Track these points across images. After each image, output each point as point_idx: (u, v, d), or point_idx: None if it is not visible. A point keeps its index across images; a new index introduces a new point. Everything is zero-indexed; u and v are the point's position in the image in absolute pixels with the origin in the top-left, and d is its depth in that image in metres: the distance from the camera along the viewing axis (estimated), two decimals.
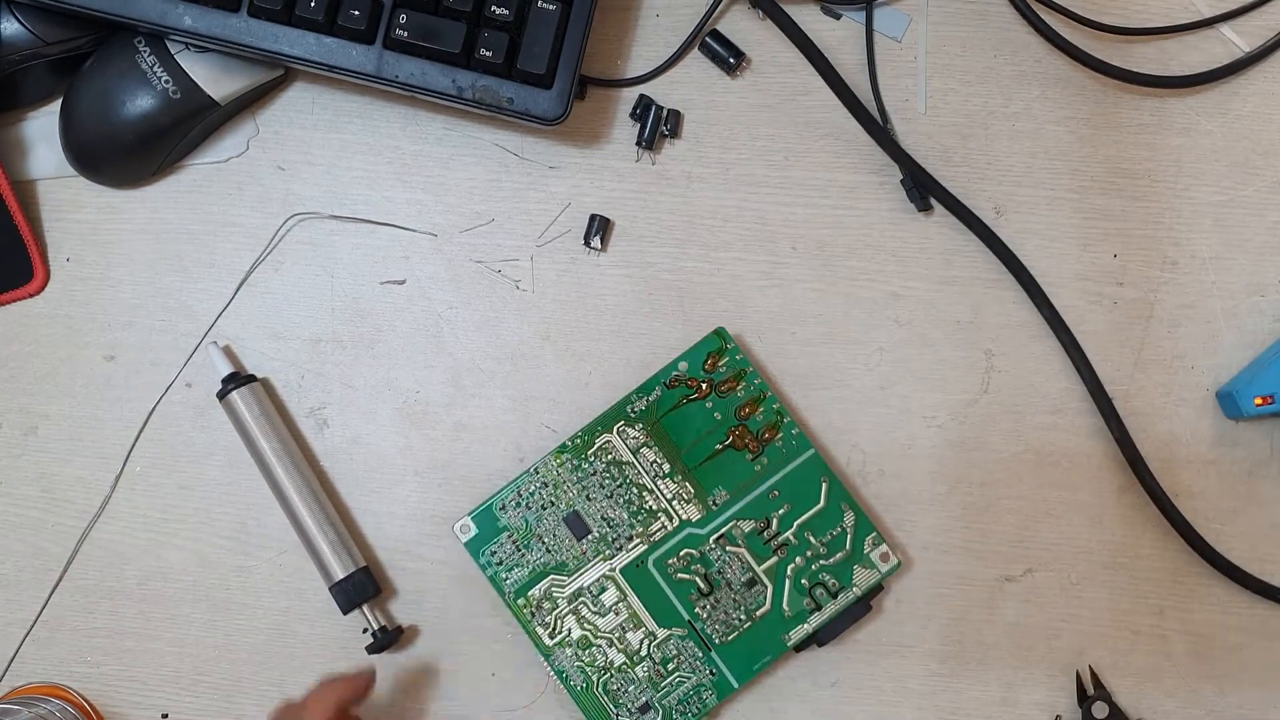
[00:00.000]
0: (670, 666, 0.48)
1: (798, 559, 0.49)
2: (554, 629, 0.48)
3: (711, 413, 0.49)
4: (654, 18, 0.49)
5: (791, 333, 0.48)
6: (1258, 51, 0.41)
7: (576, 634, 0.48)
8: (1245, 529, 0.40)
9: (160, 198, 0.52)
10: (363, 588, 0.49)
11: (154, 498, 0.52)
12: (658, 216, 0.51)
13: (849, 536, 0.49)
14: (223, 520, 0.52)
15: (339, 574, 0.50)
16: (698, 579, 0.49)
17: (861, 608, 0.49)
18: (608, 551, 0.49)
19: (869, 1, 0.41)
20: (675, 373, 0.49)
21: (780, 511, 0.49)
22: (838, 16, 0.42)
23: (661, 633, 0.48)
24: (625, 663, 0.48)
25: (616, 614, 0.49)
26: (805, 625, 0.48)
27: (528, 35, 0.45)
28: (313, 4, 0.44)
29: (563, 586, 0.49)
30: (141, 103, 0.46)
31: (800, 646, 0.49)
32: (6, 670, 0.50)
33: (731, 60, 0.46)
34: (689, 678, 0.48)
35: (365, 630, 0.50)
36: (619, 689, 0.48)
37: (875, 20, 0.41)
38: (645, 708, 0.48)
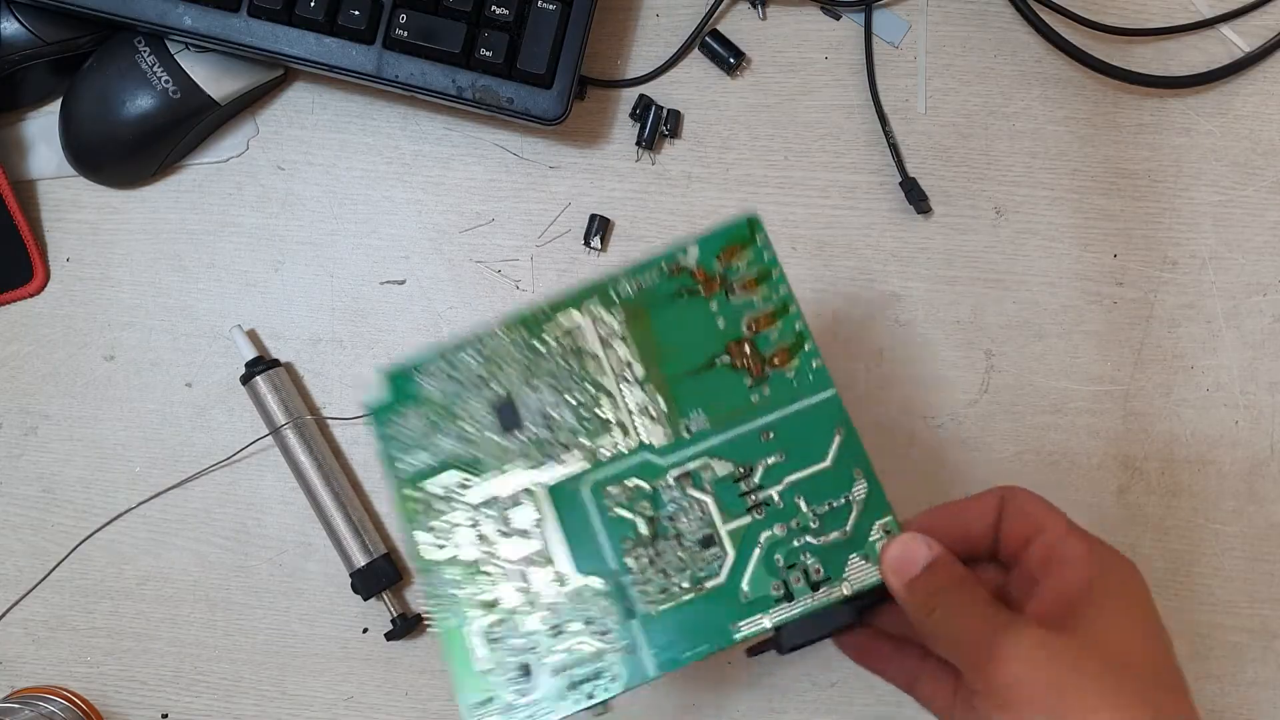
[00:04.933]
0: (573, 626, 0.41)
1: (777, 527, 0.40)
2: (443, 540, 0.42)
3: (714, 316, 0.43)
4: (654, 18, 0.52)
5: None
6: (1258, 51, 0.43)
7: (469, 554, 0.42)
8: (1245, 529, 0.43)
9: (160, 198, 0.55)
10: (384, 574, 0.55)
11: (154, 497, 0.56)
12: (658, 216, 0.53)
13: (854, 513, 0.40)
14: (223, 520, 0.56)
15: (360, 560, 0.55)
16: (639, 520, 0.41)
17: (845, 614, 0.40)
18: (537, 458, 0.42)
19: (868, 3, 0.42)
20: (681, 257, 0.43)
21: (770, 460, 0.41)
22: (837, 16, 0.44)
23: (575, 579, 0.41)
24: (518, 606, 0.41)
25: (526, 541, 0.42)
26: (764, 618, 0.40)
27: (528, 35, 0.48)
28: (312, 4, 0.46)
29: (469, 488, 0.42)
30: (141, 103, 0.49)
31: (756, 650, 0.40)
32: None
33: (731, 60, 0.48)
34: (592, 647, 0.40)
35: (365, 630, 0.55)
36: (499, 638, 0.41)
37: (874, 24, 0.43)
38: (525, 670, 0.40)
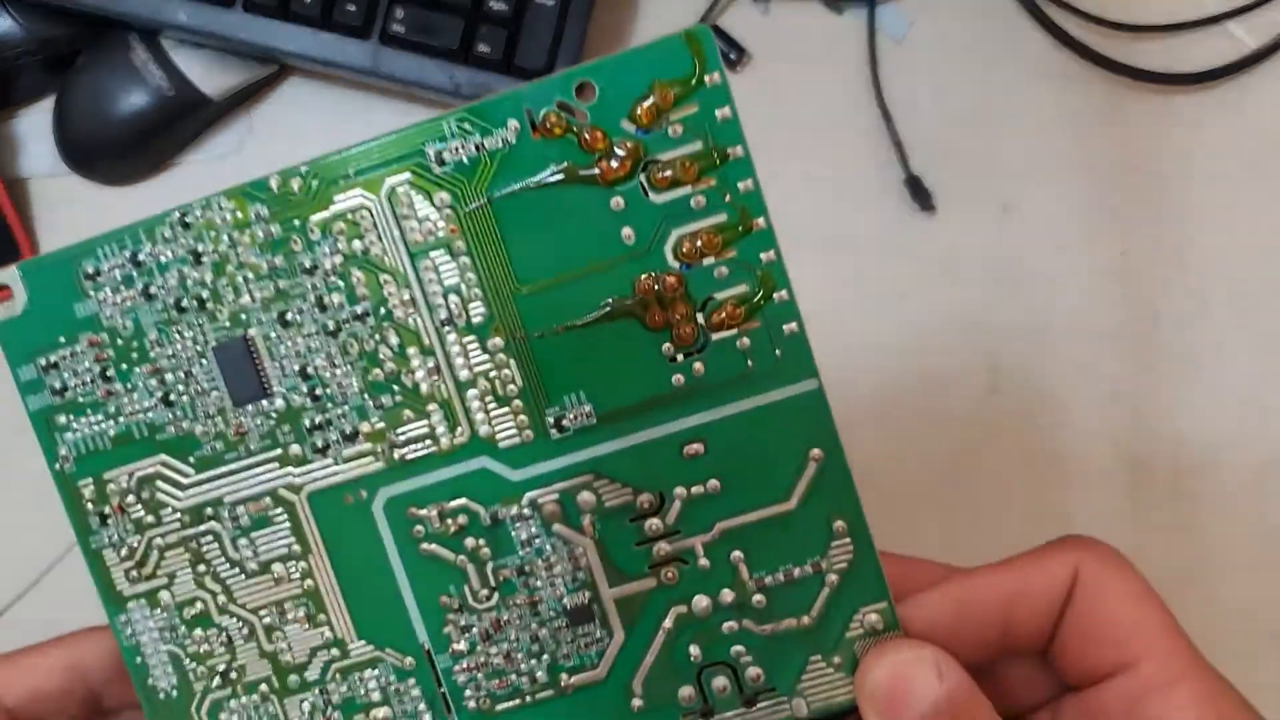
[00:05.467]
0: None
1: (698, 600, 0.25)
2: (141, 561, 0.26)
3: (617, 225, 0.24)
4: (654, 13, 0.50)
5: None
6: (1265, 48, 0.43)
7: (183, 589, 0.26)
8: (1255, 530, 0.43)
9: (154, 195, 0.54)
10: None
11: None
12: None
13: (824, 591, 0.25)
14: None
15: None
16: (469, 567, 0.26)
17: None
18: (295, 448, 0.26)
19: None
20: (555, 102, 0.24)
21: (695, 490, 0.25)
22: (840, 11, 0.44)
23: (359, 648, 0.26)
24: (268, 683, 0.26)
25: (277, 581, 0.26)
26: None
27: (526, 31, 0.47)
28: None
29: (181, 486, 0.26)
30: (135, 100, 0.49)
31: None
32: None
33: (732, 56, 0.46)
34: None
35: None
36: None
37: (878, 19, 0.43)
38: None
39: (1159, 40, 0.45)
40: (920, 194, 0.43)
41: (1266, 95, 0.44)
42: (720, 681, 0.24)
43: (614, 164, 0.23)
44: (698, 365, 0.23)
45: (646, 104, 0.23)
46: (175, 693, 0.25)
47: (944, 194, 0.44)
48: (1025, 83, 0.44)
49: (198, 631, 0.25)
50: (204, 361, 0.24)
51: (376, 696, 0.25)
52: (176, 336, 0.24)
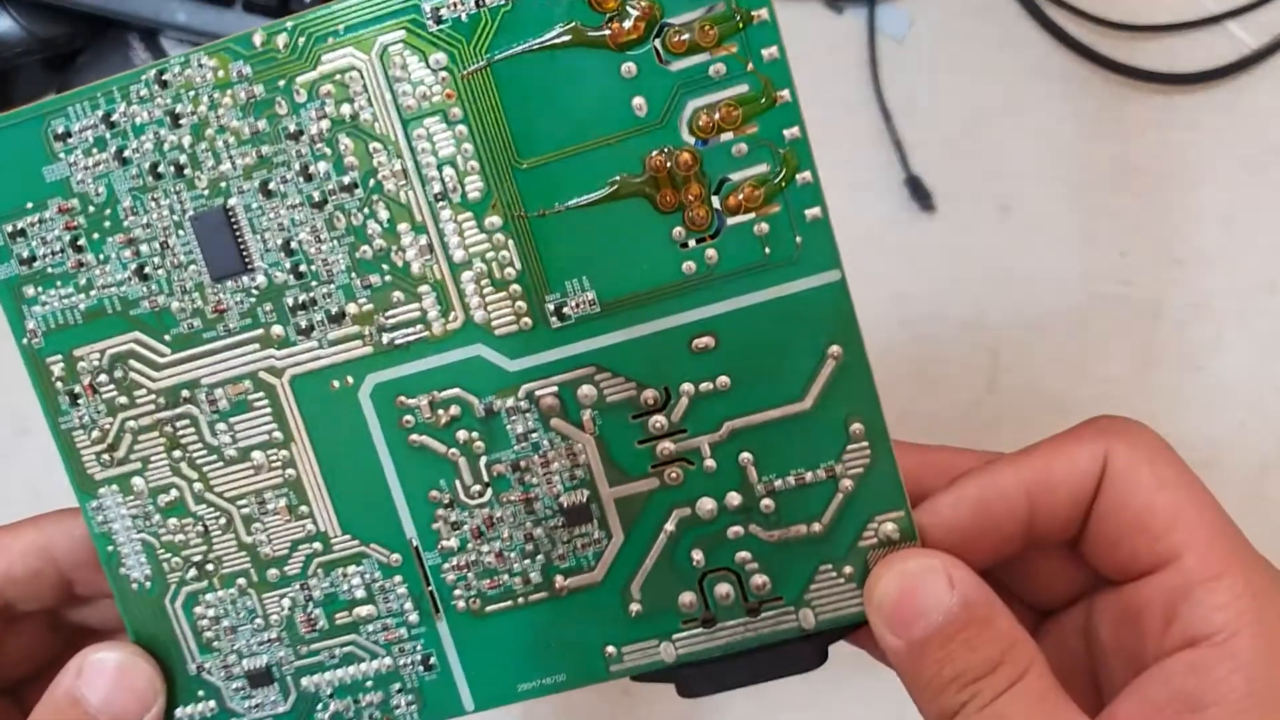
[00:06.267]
0: (338, 622, 0.25)
1: (703, 503, 0.24)
2: (113, 445, 0.25)
3: (628, 92, 0.23)
4: None
5: None
6: (1265, 48, 0.44)
7: (157, 476, 0.25)
8: (1254, 531, 0.39)
9: None
10: None
11: None
12: None
13: (838, 496, 0.24)
14: None
15: None
16: (461, 460, 0.25)
17: (801, 655, 0.25)
18: (278, 329, 0.24)
19: None
20: None
21: (704, 386, 0.23)
22: (840, 11, 0.45)
23: (343, 542, 0.25)
24: (245, 577, 0.25)
25: (257, 469, 0.25)
26: (662, 646, 0.25)
27: None
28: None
29: (156, 366, 0.25)
30: None
31: (643, 675, 0.26)
32: None
33: None
34: (371, 659, 0.25)
35: None
36: (217, 623, 0.25)
37: (878, 19, 0.44)
38: (263, 676, 0.26)
39: (1159, 40, 0.45)
40: (920, 194, 0.43)
41: (1267, 95, 0.45)
42: (723, 588, 0.23)
43: (626, 25, 0.21)
44: (711, 252, 0.22)
45: None
46: (149, 584, 0.24)
47: (944, 194, 0.44)
48: (1025, 83, 0.45)
49: (172, 520, 0.24)
50: (181, 232, 0.23)
51: (360, 594, 0.24)
52: (152, 205, 0.23)
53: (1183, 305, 0.44)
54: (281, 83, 0.22)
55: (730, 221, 0.22)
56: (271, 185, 0.22)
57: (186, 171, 0.23)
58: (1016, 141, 0.44)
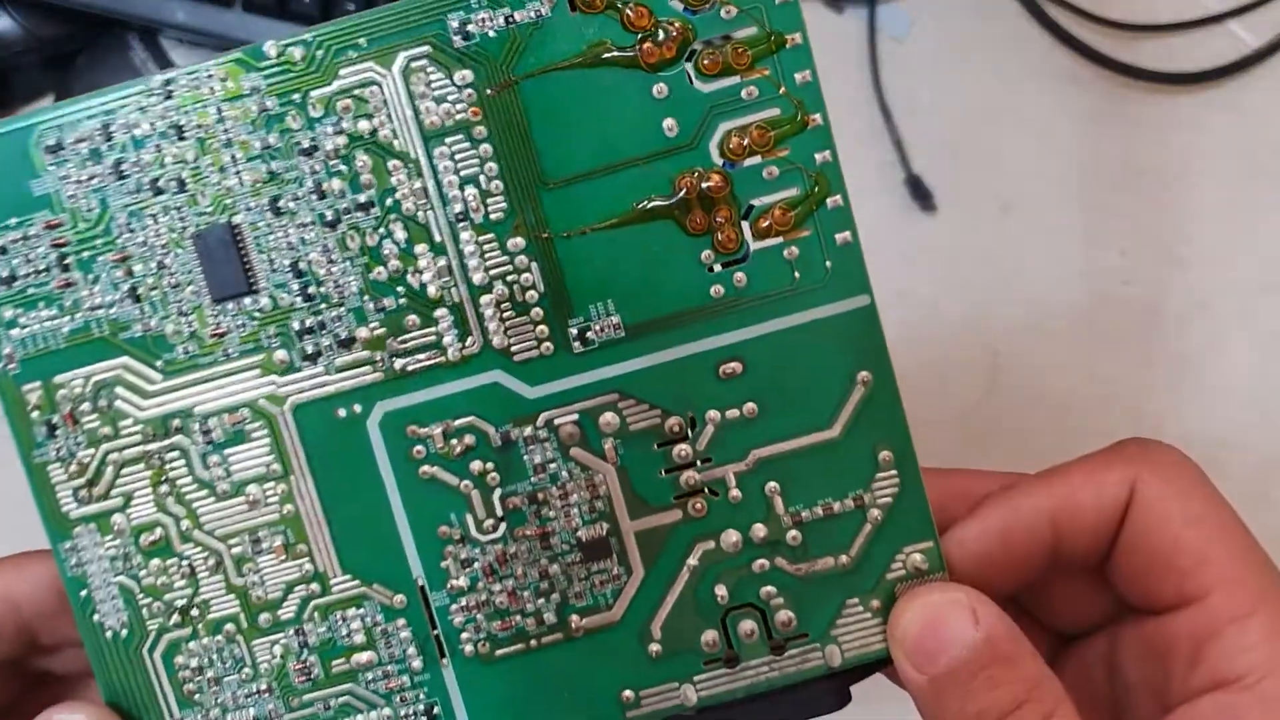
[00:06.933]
0: (335, 670, 0.24)
1: (730, 536, 0.24)
2: (93, 479, 0.24)
3: (659, 113, 0.23)
4: None
5: None
6: (1265, 47, 0.44)
7: (140, 513, 0.23)
8: (1255, 529, 0.40)
9: None
10: None
11: None
12: None
13: (866, 527, 0.24)
14: None
15: None
16: (474, 493, 0.24)
17: (827, 695, 0.24)
18: (281, 354, 0.23)
19: None
20: None
21: (730, 414, 0.23)
22: (840, 10, 0.45)
23: (343, 583, 0.24)
24: (234, 622, 0.24)
25: (252, 504, 0.24)
26: (683, 690, 0.24)
27: None
28: None
29: (145, 394, 0.23)
30: None
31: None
32: None
33: None
34: (369, 710, 0.24)
35: None
36: (201, 674, 0.24)
37: (878, 18, 0.44)
38: None
39: (1160, 39, 0.45)
40: (920, 194, 0.43)
41: (1267, 95, 0.45)
42: (747, 625, 0.23)
43: (659, 45, 0.21)
44: (739, 275, 0.22)
45: None
46: (125, 631, 0.22)
47: (944, 194, 0.44)
48: (1026, 82, 0.45)
49: (155, 561, 0.22)
50: (180, 251, 0.22)
51: (360, 639, 0.23)
52: (150, 221, 0.22)
53: (1184, 305, 0.44)
54: (296, 96, 0.21)
55: (759, 245, 0.22)
56: (281, 203, 0.22)
57: (189, 187, 0.22)
58: (1017, 141, 0.44)
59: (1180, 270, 0.44)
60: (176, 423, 0.22)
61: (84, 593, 0.22)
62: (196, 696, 0.23)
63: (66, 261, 0.22)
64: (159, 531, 0.22)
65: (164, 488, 0.22)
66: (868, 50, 0.44)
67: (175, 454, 0.22)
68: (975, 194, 0.44)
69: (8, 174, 0.22)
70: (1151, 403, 0.44)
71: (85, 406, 0.22)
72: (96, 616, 0.22)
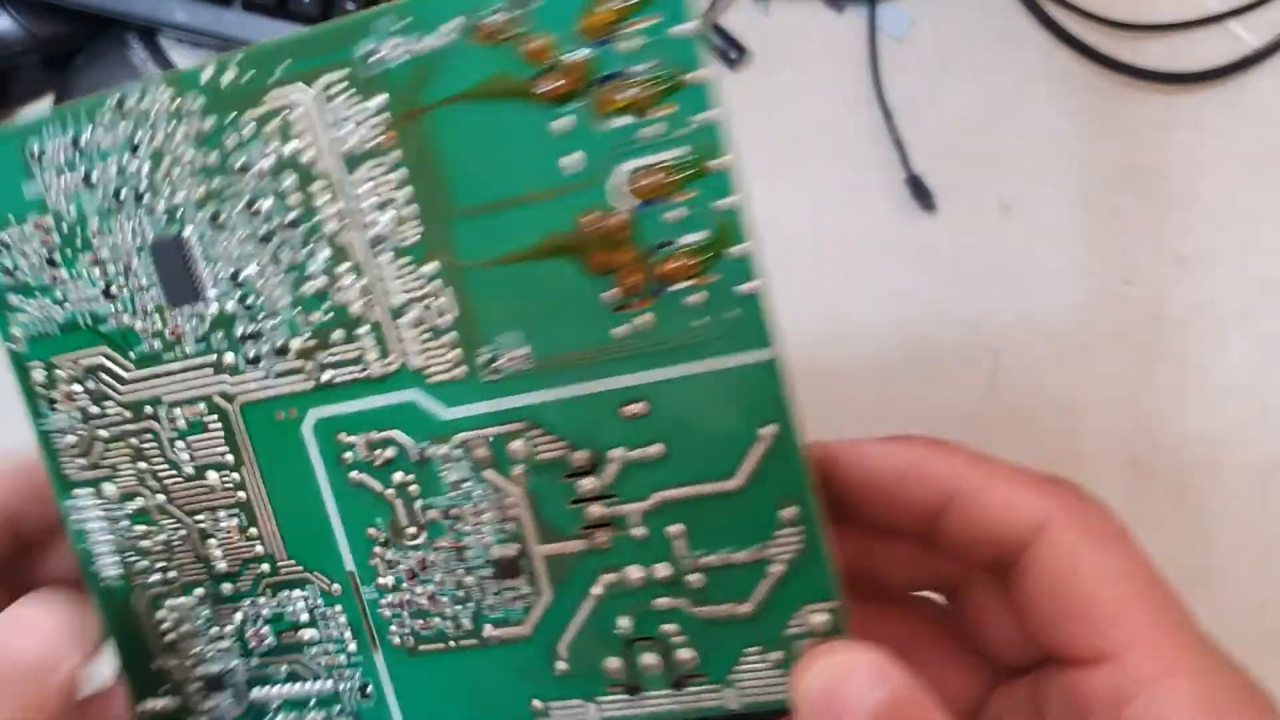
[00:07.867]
0: (285, 641, 0.26)
1: (634, 572, 0.24)
2: (86, 450, 0.26)
3: (559, 148, 0.22)
4: None
5: (792, 335, 0.35)
6: (1267, 47, 0.44)
7: (125, 483, 0.26)
8: (1257, 532, 0.44)
9: None
10: None
11: None
12: None
13: (766, 582, 0.23)
14: None
15: None
16: (396, 501, 0.25)
17: None
18: (229, 356, 0.25)
19: None
20: (491, 10, 0.21)
21: (633, 454, 0.23)
22: (841, 10, 0.45)
23: (289, 567, 0.25)
24: (203, 587, 0.26)
25: (211, 488, 0.26)
26: (585, 709, 0.25)
27: None
28: None
29: (122, 380, 0.26)
30: None
31: None
32: None
33: (732, 55, 0.45)
34: (314, 680, 0.26)
35: None
36: (176, 626, 0.27)
37: (879, 18, 0.44)
38: (216, 683, 0.27)
39: (1160, 39, 0.45)
40: (920, 194, 0.43)
41: (1268, 95, 0.45)
42: (649, 658, 0.23)
43: (559, 80, 0.20)
44: (644, 318, 0.21)
45: (600, 10, 0.20)
46: (119, 583, 0.26)
47: (944, 194, 0.44)
48: (1026, 82, 0.45)
49: (140, 527, 0.25)
50: (141, 256, 0.24)
51: (304, 617, 0.25)
52: (117, 227, 0.24)
53: (1184, 305, 0.44)
54: (231, 116, 0.22)
55: (664, 289, 0.21)
56: (220, 218, 0.23)
57: (145, 199, 0.23)
58: (1017, 141, 0.45)
59: (1181, 270, 0.44)
60: (149, 409, 0.25)
61: (84, 545, 0.26)
62: (177, 645, 0.26)
63: (54, 259, 0.24)
64: (140, 501, 0.25)
65: (142, 464, 0.25)
66: (868, 50, 0.44)
67: (149, 436, 0.25)
68: (975, 194, 0.44)
69: (5, 175, 0.24)
70: (1151, 403, 0.45)
71: (78, 387, 0.25)
72: (95, 567, 0.26)
